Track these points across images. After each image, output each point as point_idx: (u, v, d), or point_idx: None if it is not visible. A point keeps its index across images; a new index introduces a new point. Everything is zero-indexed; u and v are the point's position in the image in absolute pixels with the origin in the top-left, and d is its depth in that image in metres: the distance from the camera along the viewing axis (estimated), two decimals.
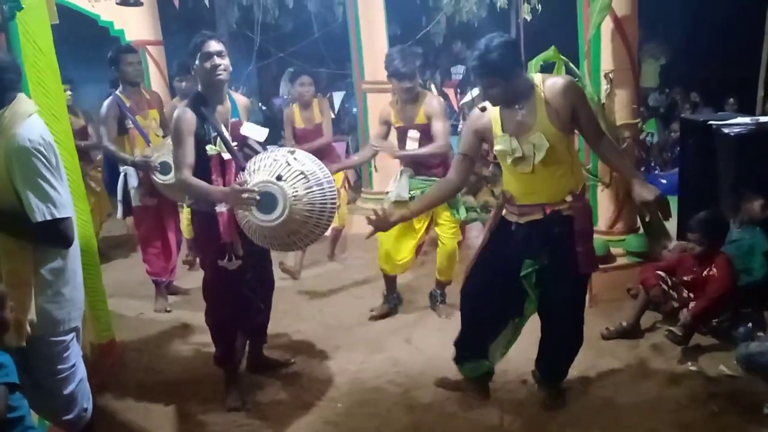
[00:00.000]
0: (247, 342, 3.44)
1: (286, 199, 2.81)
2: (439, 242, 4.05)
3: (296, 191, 2.84)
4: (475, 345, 3.04)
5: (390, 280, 4.23)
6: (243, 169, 2.96)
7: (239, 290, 3.14)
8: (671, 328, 3.44)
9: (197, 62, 2.96)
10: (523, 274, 2.79)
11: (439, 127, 3.85)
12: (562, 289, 2.79)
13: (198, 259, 3.25)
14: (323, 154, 5.23)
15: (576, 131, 2.75)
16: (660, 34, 9.18)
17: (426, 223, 4.02)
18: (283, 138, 5.40)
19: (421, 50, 4.05)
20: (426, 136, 3.90)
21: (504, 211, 2.89)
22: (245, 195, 2.77)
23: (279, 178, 2.83)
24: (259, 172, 2.89)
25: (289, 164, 2.89)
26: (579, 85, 2.87)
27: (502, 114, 2.73)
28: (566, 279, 2.77)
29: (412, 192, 3.93)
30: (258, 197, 2.79)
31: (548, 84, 2.66)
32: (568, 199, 2.72)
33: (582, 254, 2.73)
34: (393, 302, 4.26)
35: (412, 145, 3.91)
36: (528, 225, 2.77)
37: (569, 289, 2.82)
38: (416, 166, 3.97)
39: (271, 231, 2.87)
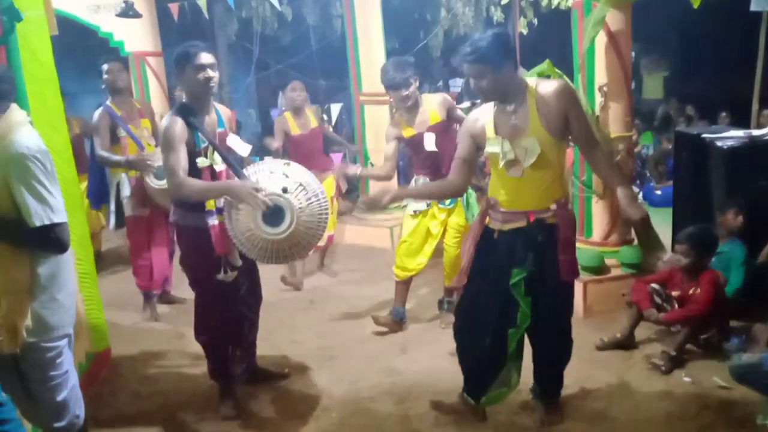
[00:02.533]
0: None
1: (294, 211, 2.81)
2: (444, 249, 4.08)
3: (300, 203, 2.84)
4: (484, 369, 2.96)
5: (402, 290, 4.14)
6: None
7: (234, 305, 3.12)
8: (654, 360, 3.45)
9: (187, 73, 2.93)
10: (512, 282, 2.77)
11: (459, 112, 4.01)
12: (548, 298, 2.78)
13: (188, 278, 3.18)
14: (316, 162, 5.24)
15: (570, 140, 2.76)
16: (659, 49, 9.27)
17: (443, 230, 4.03)
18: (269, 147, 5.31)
19: (412, 59, 4.08)
20: (441, 135, 3.89)
21: (487, 219, 2.88)
22: (261, 196, 2.73)
23: (285, 190, 2.82)
24: (261, 184, 2.87)
25: (287, 176, 2.90)
26: (572, 89, 2.81)
27: (496, 117, 2.73)
28: (552, 288, 2.76)
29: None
30: (270, 204, 2.77)
31: (541, 87, 2.65)
32: (552, 207, 2.72)
33: (564, 262, 2.72)
34: (399, 316, 4.14)
35: (430, 147, 3.90)
36: (511, 232, 2.77)
37: (556, 298, 2.81)
38: (431, 171, 3.96)
39: (276, 244, 2.85)
